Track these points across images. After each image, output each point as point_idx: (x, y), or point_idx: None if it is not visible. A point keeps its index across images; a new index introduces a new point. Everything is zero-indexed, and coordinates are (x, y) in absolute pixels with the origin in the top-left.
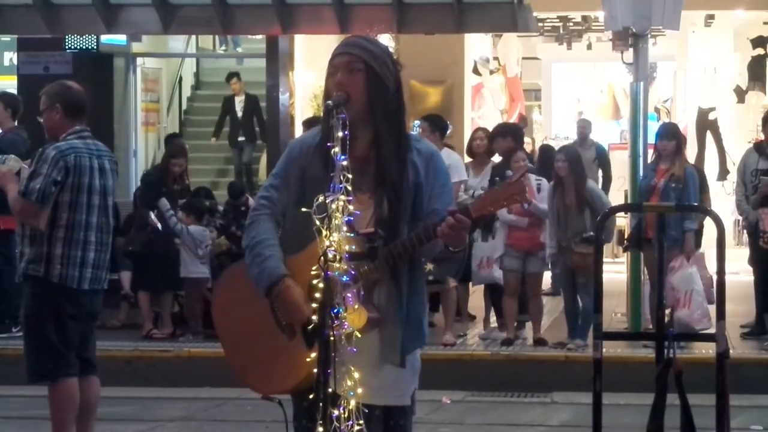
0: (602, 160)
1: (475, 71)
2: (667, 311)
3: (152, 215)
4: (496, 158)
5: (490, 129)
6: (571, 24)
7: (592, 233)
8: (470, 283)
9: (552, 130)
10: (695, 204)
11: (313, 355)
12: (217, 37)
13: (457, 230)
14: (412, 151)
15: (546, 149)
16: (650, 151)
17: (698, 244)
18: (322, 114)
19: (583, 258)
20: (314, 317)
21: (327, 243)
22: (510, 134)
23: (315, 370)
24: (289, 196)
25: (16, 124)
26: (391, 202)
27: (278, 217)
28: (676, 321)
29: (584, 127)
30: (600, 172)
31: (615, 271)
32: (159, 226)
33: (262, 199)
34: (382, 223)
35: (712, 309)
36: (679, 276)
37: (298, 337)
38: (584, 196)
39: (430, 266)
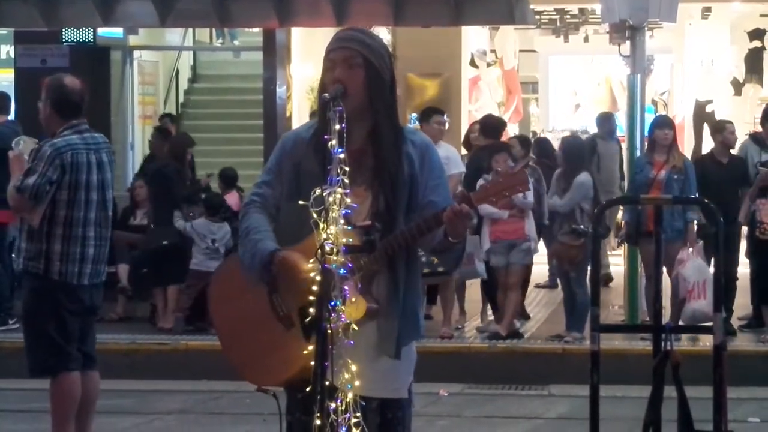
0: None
1: (472, 64)
2: (665, 304)
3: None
4: None
5: None
6: (568, 16)
7: (582, 226)
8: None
9: (549, 122)
10: (693, 197)
11: (311, 347)
12: (213, 30)
13: (461, 219)
14: (407, 143)
15: (542, 141)
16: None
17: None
18: (317, 107)
19: (565, 249)
20: (311, 309)
21: (324, 236)
22: (481, 127)
23: (312, 363)
24: (282, 190)
25: (8, 118)
26: (387, 195)
27: (271, 210)
28: (693, 312)
29: (607, 121)
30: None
31: (612, 263)
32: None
33: (254, 195)
34: (379, 216)
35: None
36: (690, 267)
37: (296, 329)
38: (570, 187)
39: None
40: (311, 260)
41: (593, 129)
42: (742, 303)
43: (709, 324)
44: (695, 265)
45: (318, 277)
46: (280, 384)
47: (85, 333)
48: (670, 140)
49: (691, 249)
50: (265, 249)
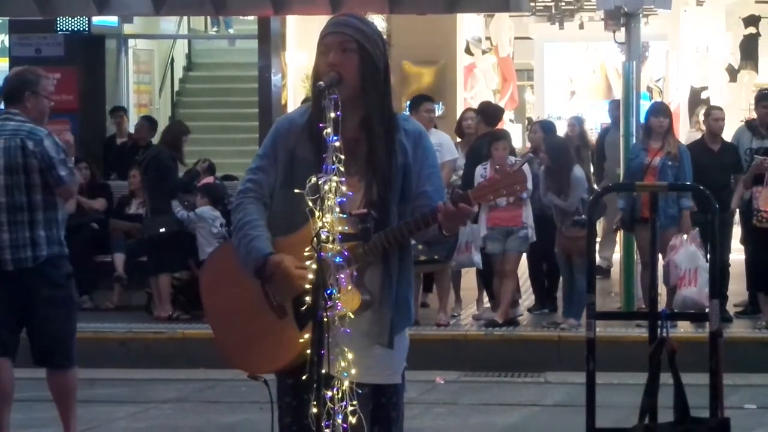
0: None
1: (468, 51)
2: (660, 291)
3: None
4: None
5: None
6: (563, 3)
7: (582, 216)
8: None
9: (545, 110)
10: (688, 183)
11: (307, 336)
12: (209, 18)
13: (459, 218)
14: (400, 131)
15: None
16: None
17: None
18: (312, 94)
19: (572, 242)
20: (308, 299)
21: (320, 224)
22: (481, 114)
23: (308, 351)
24: (277, 175)
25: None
26: (379, 185)
27: (266, 199)
28: (683, 299)
29: (617, 108)
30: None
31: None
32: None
33: (249, 182)
34: (373, 205)
35: None
36: (682, 254)
37: (289, 317)
38: (566, 185)
39: None
40: (307, 249)
41: (588, 116)
42: (738, 290)
43: (705, 311)
44: (687, 252)
45: (311, 276)
46: (273, 371)
47: (34, 326)
48: (666, 127)
49: (685, 236)
50: (260, 251)
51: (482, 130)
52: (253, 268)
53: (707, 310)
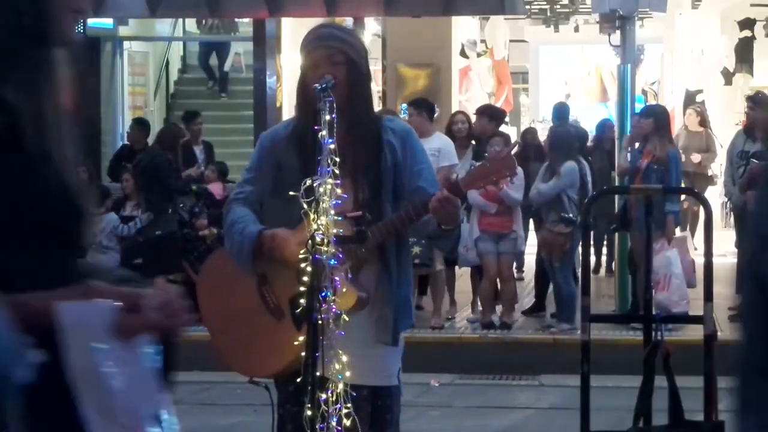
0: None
1: (463, 54)
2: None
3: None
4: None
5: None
6: (559, 6)
7: (570, 215)
8: (456, 267)
9: (539, 112)
10: (682, 187)
11: (301, 338)
12: (205, 19)
13: (448, 205)
14: (387, 131)
15: (529, 132)
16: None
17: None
18: (296, 101)
19: (553, 235)
20: (302, 300)
21: (315, 226)
22: (487, 115)
23: (303, 354)
24: (265, 186)
25: None
26: (371, 186)
27: (255, 206)
28: (656, 304)
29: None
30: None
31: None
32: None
33: (237, 194)
34: (365, 207)
35: (693, 292)
36: (658, 259)
37: (286, 319)
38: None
39: (416, 249)
40: (301, 251)
41: (584, 119)
42: (732, 293)
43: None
44: (664, 257)
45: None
46: (272, 375)
47: None
48: (646, 130)
49: (665, 241)
50: (252, 231)
51: (491, 130)
52: (250, 250)
53: (700, 312)
